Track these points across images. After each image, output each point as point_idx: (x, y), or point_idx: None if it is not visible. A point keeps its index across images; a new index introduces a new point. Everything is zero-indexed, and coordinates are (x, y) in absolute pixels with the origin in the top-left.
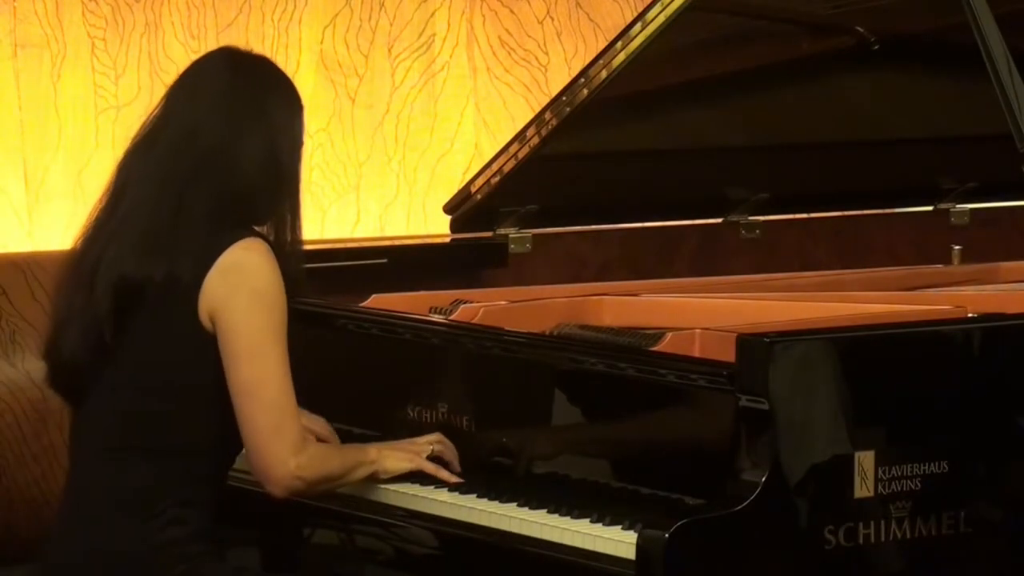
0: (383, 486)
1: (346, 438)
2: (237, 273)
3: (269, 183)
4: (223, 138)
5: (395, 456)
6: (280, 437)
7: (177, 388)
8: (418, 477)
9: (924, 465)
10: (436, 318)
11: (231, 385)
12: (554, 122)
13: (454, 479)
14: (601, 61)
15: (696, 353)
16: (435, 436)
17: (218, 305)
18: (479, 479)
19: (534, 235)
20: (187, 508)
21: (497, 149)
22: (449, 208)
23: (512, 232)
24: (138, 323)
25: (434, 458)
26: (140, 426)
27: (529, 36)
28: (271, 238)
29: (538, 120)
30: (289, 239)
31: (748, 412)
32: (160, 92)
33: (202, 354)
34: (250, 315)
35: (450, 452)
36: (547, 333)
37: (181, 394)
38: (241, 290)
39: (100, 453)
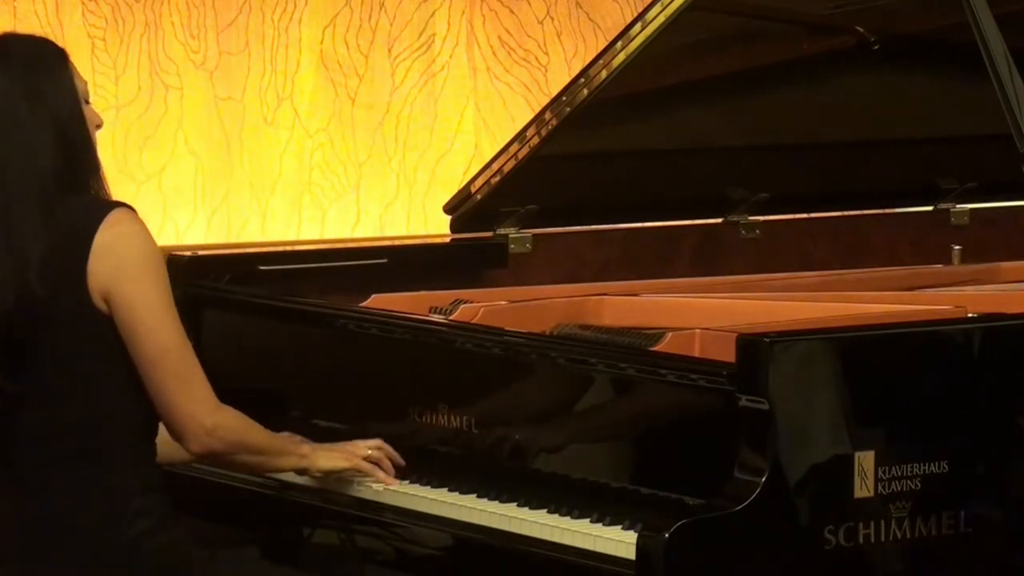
0: (383, 486)
1: (346, 437)
2: (116, 252)
3: (70, 153)
4: (6, 145)
5: (328, 455)
6: (191, 396)
7: (96, 383)
8: (413, 476)
9: (924, 465)
10: (436, 318)
11: (137, 357)
12: (554, 122)
13: (391, 480)
14: (601, 61)
15: (696, 353)
16: (375, 441)
17: (108, 285)
18: (479, 479)
19: (534, 235)
20: (147, 496)
21: (497, 149)
22: (449, 208)
23: (512, 232)
24: (28, 347)
25: (372, 462)
26: (73, 433)
27: (529, 36)
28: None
29: (538, 120)
30: (95, 189)
31: (748, 412)
32: (160, 92)
33: (106, 338)
34: (141, 288)
35: (387, 461)
36: (547, 333)
37: (101, 387)
38: (125, 267)
39: (41, 473)
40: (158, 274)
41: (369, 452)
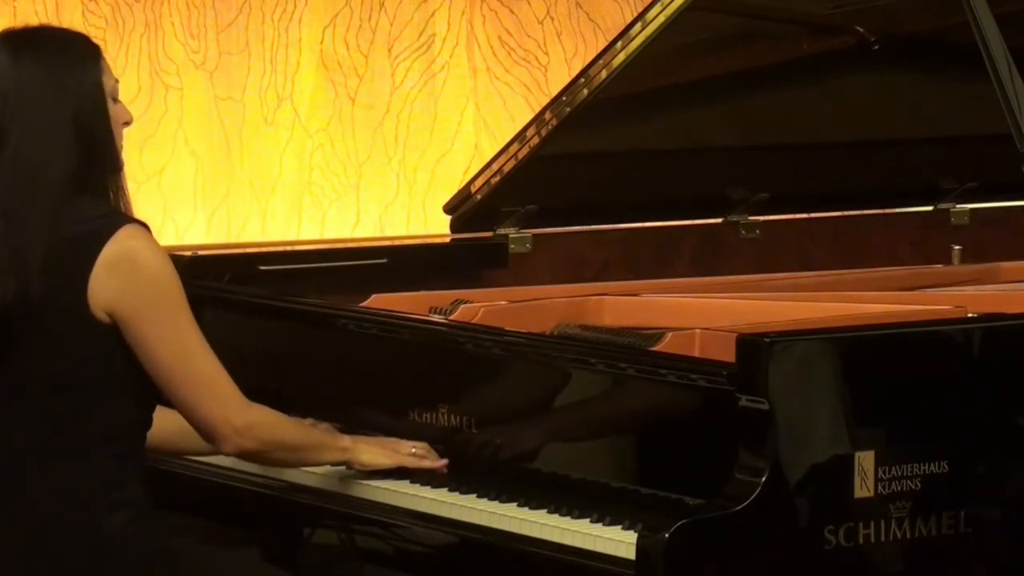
0: (384, 486)
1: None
2: (127, 265)
3: (88, 149)
4: (24, 136)
5: (372, 450)
6: (217, 401)
7: (81, 385)
8: (413, 476)
9: (924, 465)
10: (436, 318)
11: (154, 371)
12: (554, 122)
13: (439, 464)
14: (601, 61)
15: (696, 353)
16: (421, 445)
17: (114, 300)
18: (479, 479)
19: (534, 235)
20: (125, 488)
21: (497, 149)
22: (449, 208)
23: (512, 232)
24: (19, 341)
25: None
26: (59, 426)
27: (529, 36)
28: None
29: (538, 120)
30: (114, 197)
31: (748, 412)
32: (160, 92)
33: (104, 347)
34: (153, 304)
35: (428, 463)
36: (547, 333)
37: (87, 390)
38: (136, 282)
39: (21, 462)
40: (171, 286)
41: (413, 451)
